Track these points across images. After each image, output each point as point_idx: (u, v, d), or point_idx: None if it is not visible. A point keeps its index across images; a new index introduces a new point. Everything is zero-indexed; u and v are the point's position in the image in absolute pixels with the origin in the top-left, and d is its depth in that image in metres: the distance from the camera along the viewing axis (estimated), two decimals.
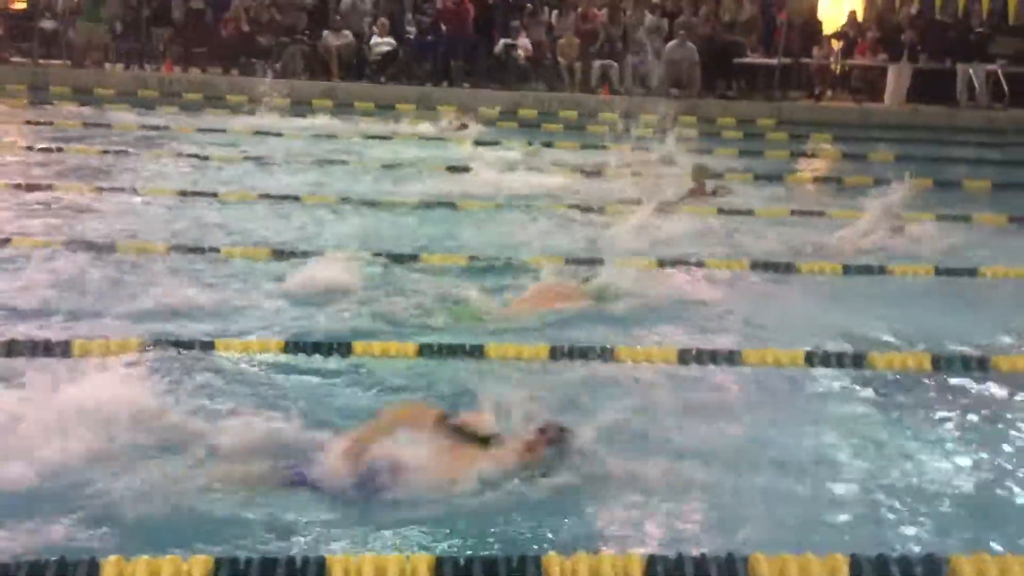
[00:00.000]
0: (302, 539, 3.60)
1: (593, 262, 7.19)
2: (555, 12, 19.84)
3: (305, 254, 7.21)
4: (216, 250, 7.33)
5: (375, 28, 19.14)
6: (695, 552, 3.31)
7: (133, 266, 6.85)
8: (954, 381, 5.41)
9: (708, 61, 18.92)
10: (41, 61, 18.77)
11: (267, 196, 9.44)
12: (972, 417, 5.00)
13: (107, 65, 18.80)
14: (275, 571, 3.15)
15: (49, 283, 6.33)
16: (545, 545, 3.60)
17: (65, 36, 18.89)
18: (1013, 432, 4.87)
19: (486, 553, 3.45)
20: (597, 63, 18.82)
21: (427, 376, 5.21)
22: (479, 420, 4.16)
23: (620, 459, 4.11)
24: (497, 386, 4.69)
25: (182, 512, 3.70)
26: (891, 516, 3.96)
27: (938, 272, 7.55)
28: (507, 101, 17.75)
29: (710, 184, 10.46)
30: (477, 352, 5.38)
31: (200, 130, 13.89)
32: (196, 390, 4.78)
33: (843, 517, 3.94)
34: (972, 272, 7.59)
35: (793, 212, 9.79)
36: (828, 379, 5.42)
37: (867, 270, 7.59)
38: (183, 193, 9.48)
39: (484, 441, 4.06)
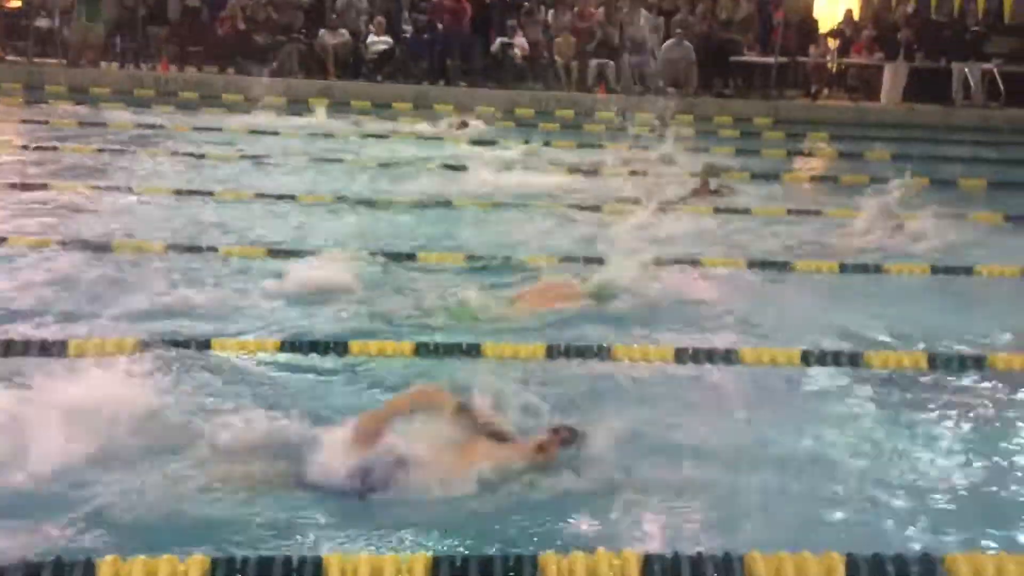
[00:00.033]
0: (299, 538, 3.59)
1: (591, 261, 7.19)
2: (551, 11, 19.83)
3: (302, 253, 7.20)
4: (213, 249, 7.32)
5: (371, 27, 19.12)
6: (691, 551, 3.32)
7: (129, 265, 6.85)
8: (950, 380, 5.42)
9: (705, 60, 18.93)
10: (36, 60, 18.74)
11: (263, 195, 9.43)
12: (968, 416, 5.01)
13: (103, 64, 18.76)
14: (271, 571, 3.15)
15: (45, 282, 6.32)
16: (541, 543, 3.59)
17: (60, 35, 18.85)
18: (1009, 431, 4.88)
19: (483, 552, 3.45)
20: (593, 62, 18.82)
21: (424, 376, 5.20)
22: (492, 414, 4.16)
23: (617, 458, 4.11)
24: (494, 385, 4.67)
25: (178, 512, 3.70)
26: (887, 515, 3.97)
27: (934, 271, 7.56)
28: (503, 100, 17.74)
29: (714, 183, 10.46)
30: (474, 351, 5.38)
31: (196, 129, 13.87)
32: (192, 390, 4.77)
33: (839, 516, 3.94)
34: (968, 271, 7.60)
35: (789, 211, 9.79)
36: (824, 378, 5.42)
37: (863, 269, 7.59)
38: (179, 192, 9.47)
39: (498, 436, 4.06)
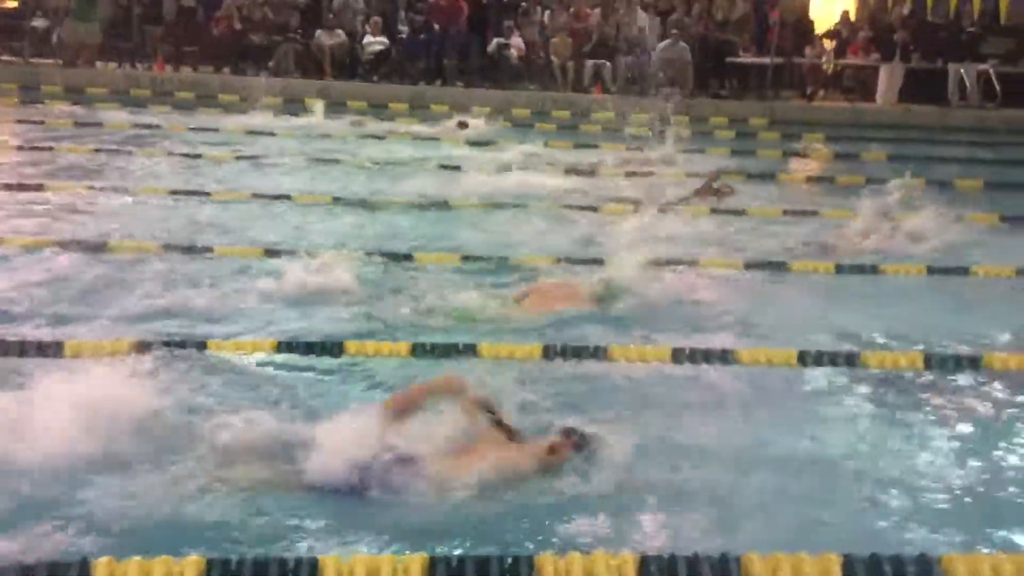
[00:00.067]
0: (295, 539, 3.59)
1: (589, 262, 7.19)
2: (548, 11, 19.84)
3: (298, 254, 7.19)
4: (209, 249, 7.31)
5: (368, 27, 19.11)
6: (688, 552, 3.31)
7: (126, 266, 6.83)
8: (947, 380, 5.42)
9: (701, 60, 18.94)
10: (32, 60, 18.69)
11: (260, 195, 9.41)
12: (965, 416, 5.01)
13: (98, 64, 18.72)
14: (267, 571, 3.15)
15: (41, 283, 6.31)
16: (538, 544, 3.59)
17: (56, 35, 18.81)
18: (1006, 431, 4.89)
19: (479, 553, 3.44)
20: (590, 62, 18.82)
21: (421, 376, 5.19)
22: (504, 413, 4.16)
23: (614, 459, 4.10)
24: (491, 385, 4.67)
25: (174, 512, 3.69)
26: (884, 515, 3.97)
27: (930, 271, 7.57)
28: (500, 100, 17.74)
29: (718, 183, 10.45)
30: (470, 351, 5.37)
31: (192, 129, 13.86)
32: (188, 390, 4.75)
33: (836, 516, 3.94)
34: (964, 271, 7.61)
35: (785, 212, 9.79)
36: (821, 378, 5.42)
37: (860, 269, 7.60)
38: (176, 192, 9.45)
39: (512, 434, 4.06)
